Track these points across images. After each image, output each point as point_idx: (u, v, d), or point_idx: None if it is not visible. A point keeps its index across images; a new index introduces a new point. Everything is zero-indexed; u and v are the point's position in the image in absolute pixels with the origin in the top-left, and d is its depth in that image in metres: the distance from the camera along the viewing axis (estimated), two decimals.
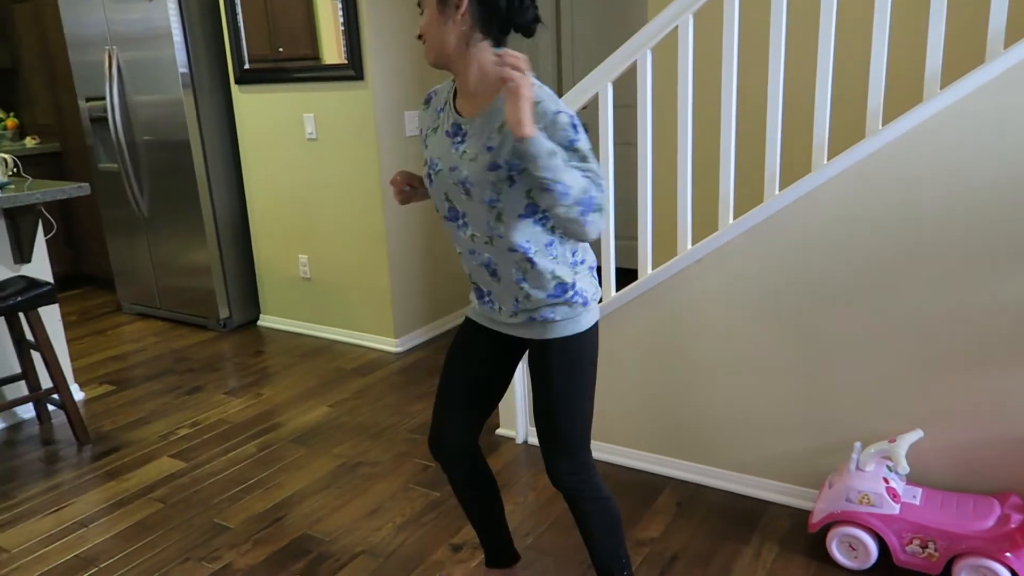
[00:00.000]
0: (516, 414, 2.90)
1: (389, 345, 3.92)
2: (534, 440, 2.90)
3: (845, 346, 2.24)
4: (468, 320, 1.84)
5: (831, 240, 2.19)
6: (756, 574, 2.13)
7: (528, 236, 1.59)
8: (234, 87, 4.04)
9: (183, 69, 3.93)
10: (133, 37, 4.02)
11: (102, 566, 2.28)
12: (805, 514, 2.37)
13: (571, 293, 1.65)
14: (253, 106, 4.02)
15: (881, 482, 2.09)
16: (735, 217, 2.36)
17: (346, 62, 3.59)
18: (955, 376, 2.11)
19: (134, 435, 3.12)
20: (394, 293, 3.86)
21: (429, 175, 1.66)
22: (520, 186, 1.54)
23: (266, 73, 3.88)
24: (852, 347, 2.23)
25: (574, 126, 1.51)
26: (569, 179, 1.44)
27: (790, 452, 2.40)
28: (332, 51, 3.64)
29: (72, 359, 3.95)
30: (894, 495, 2.08)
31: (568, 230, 1.49)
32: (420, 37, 1.58)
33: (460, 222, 1.65)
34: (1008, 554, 1.91)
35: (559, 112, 1.50)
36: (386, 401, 3.34)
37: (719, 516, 2.40)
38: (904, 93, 2.69)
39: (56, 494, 2.70)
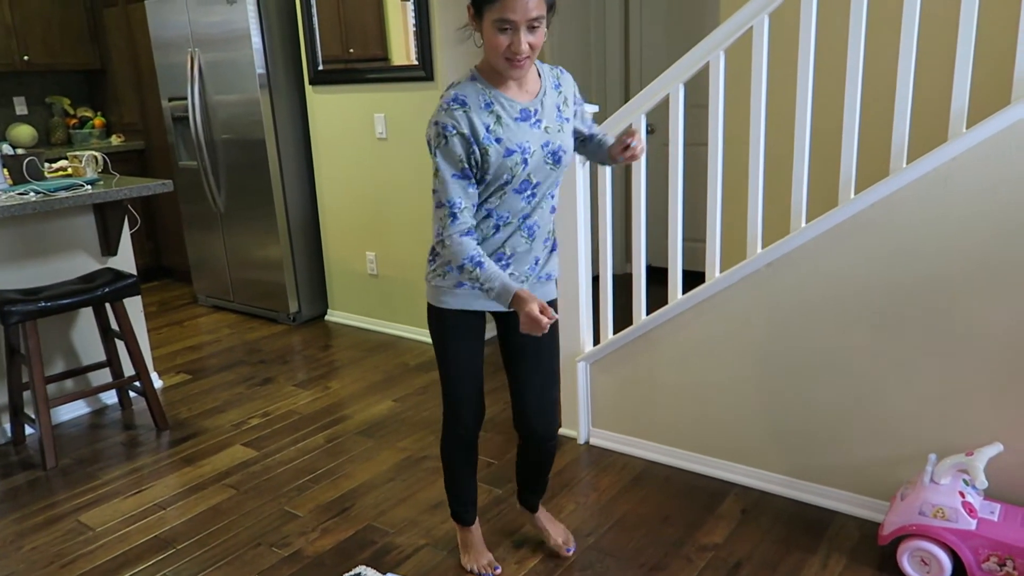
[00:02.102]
0: (579, 415, 2.91)
1: None
2: (596, 440, 2.90)
3: (922, 354, 2.18)
4: (457, 312, 1.93)
5: (909, 245, 2.13)
6: None
7: (556, 194, 1.94)
8: (308, 87, 4.15)
9: (260, 70, 4.06)
10: (214, 39, 4.17)
11: (179, 548, 2.38)
12: (875, 526, 2.32)
13: (556, 249, 2.01)
14: (326, 106, 4.12)
15: (957, 496, 2.03)
16: (808, 221, 2.32)
17: (416, 63, 3.65)
18: None
19: (209, 423, 3.24)
20: None
21: (525, 159, 1.78)
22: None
23: (339, 74, 3.98)
24: (929, 356, 2.17)
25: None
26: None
27: (860, 461, 2.34)
28: (401, 52, 3.71)
29: (152, 348, 4.13)
30: (971, 510, 2.01)
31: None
32: (520, 61, 1.70)
33: (529, 192, 1.84)
34: None
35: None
36: None
37: (785, 524, 2.36)
38: (987, 98, 2.59)
39: (136, 477, 2.83)
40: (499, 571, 2.19)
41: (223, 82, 4.23)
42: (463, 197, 1.74)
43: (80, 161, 3.33)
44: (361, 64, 3.87)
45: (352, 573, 2.20)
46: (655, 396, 2.70)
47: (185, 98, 4.42)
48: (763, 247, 2.41)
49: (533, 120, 1.80)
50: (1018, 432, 2.08)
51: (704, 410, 2.60)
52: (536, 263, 1.94)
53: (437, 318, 1.96)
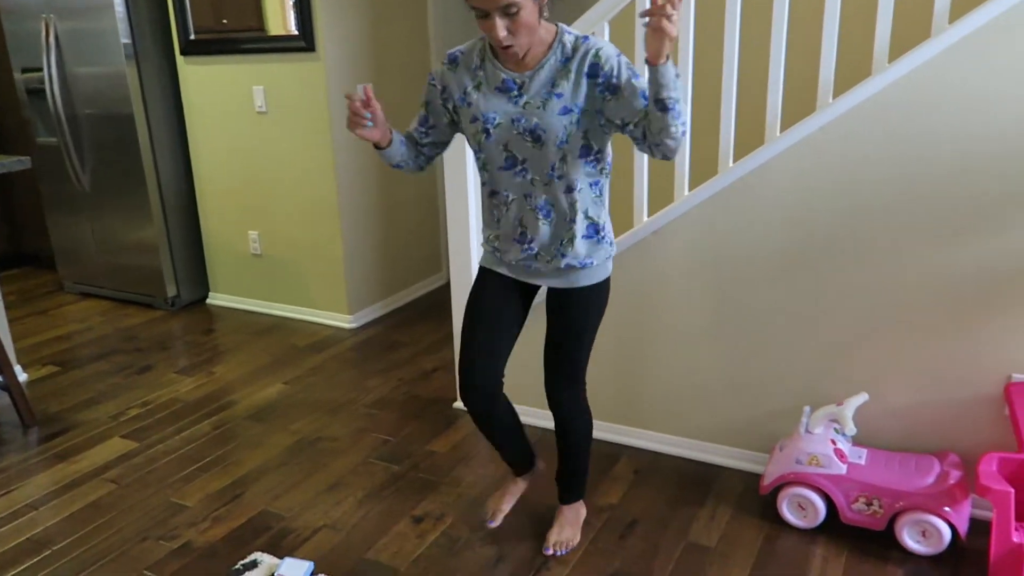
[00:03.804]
0: None
1: (343, 321, 3.90)
2: None
3: (795, 314, 2.31)
4: (486, 271, 1.97)
5: (782, 212, 2.25)
6: (711, 536, 2.20)
7: (584, 175, 1.80)
8: (179, 58, 3.93)
9: (125, 39, 3.79)
10: (72, 5, 3.86)
11: (56, 548, 2.24)
12: (757, 477, 2.45)
13: (602, 234, 1.87)
14: (200, 78, 3.91)
15: (829, 444, 2.17)
16: (691, 189, 2.40)
17: (296, 33, 3.52)
18: (897, 342, 2.20)
19: (83, 416, 3.05)
20: (347, 269, 3.83)
21: (487, 129, 1.77)
22: (581, 128, 1.74)
23: (213, 44, 3.78)
24: (802, 315, 2.30)
25: (630, 66, 1.72)
26: (683, 101, 1.67)
27: (742, 418, 2.47)
28: (278, 22, 3.57)
29: (13, 340, 3.82)
30: (841, 456, 2.17)
31: (663, 147, 1.66)
32: (507, 47, 1.65)
33: (518, 168, 1.80)
34: (947, 508, 2.01)
35: (620, 55, 1.72)
36: (342, 377, 3.32)
37: (675, 482, 2.47)
38: (854, 68, 2.76)
39: (3, 477, 2.62)
40: (492, 524, 2.21)
41: (84, 52, 3.92)
42: (412, 127, 1.93)
43: None
44: (236, 34, 3.69)
45: (247, 560, 2.13)
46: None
47: (41, 69, 4.08)
48: (648, 215, 2.48)
49: (514, 93, 1.75)
50: (881, 382, 2.25)
51: (594, 377, 2.66)
52: (560, 243, 1.84)
53: (478, 273, 2.02)
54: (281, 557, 2.15)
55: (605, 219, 1.88)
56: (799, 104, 2.51)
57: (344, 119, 3.65)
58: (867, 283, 2.20)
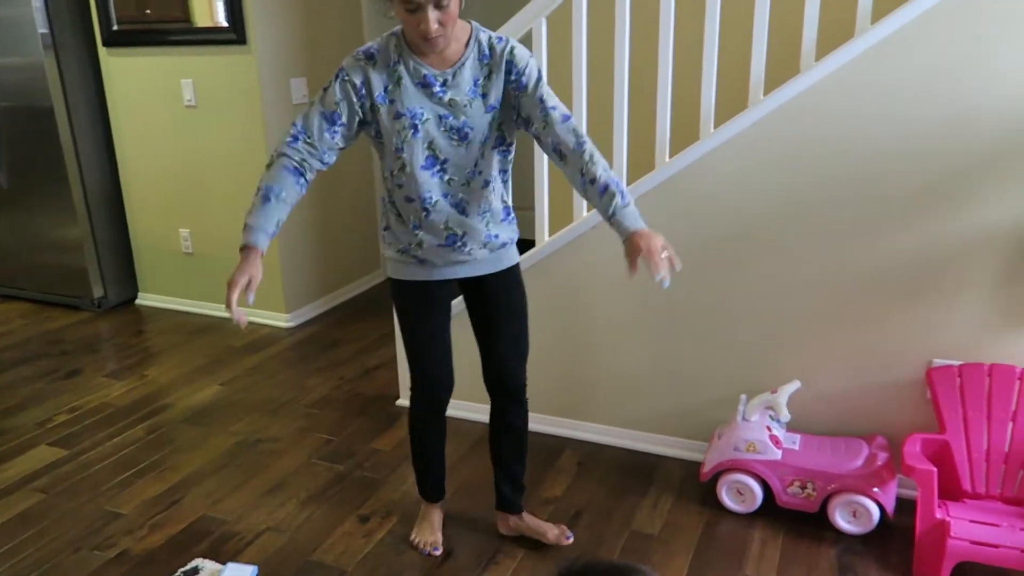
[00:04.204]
0: None
1: (280, 320, 3.82)
2: None
3: (731, 306, 2.38)
4: (410, 283, 1.92)
5: (716, 206, 2.31)
6: (655, 523, 2.25)
7: (496, 166, 1.84)
8: (102, 49, 3.78)
9: (43, 29, 3.63)
10: None
11: None
12: (697, 465, 2.52)
13: (512, 215, 1.94)
14: (125, 70, 3.77)
15: (765, 431, 2.25)
16: (628, 184, 2.44)
17: (227, 25, 3.43)
18: (827, 331, 2.29)
19: (7, 424, 2.91)
20: (284, 267, 3.76)
21: (415, 125, 1.73)
22: (497, 122, 1.78)
23: (138, 35, 3.65)
24: (738, 307, 2.37)
25: (540, 77, 1.78)
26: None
27: (681, 408, 2.54)
28: (205, 13, 3.47)
29: None
30: (776, 442, 2.24)
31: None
32: (433, 39, 1.63)
33: (436, 168, 1.78)
34: (876, 489, 2.11)
35: (532, 57, 1.78)
36: (281, 377, 3.26)
37: (618, 472, 2.51)
38: (784, 67, 2.84)
39: None
40: (438, 552, 2.15)
41: None
42: (313, 130, 1.73)
43: None
44: (161, 25, 3.57)
45: (188, 567, 2.08)
46: None
47: None
48: (588, 211, 2.51)
49: (437, 89, 1.72)
50: (813, 369, 2.34)
51: (536, 372, 2.68)
52: (490, 236, 1.88)
53: (396, 288, 1.96)
54: (224, 562, 2.10)
55: (510, 200, 1.95)
56: (732, 102, 2.57)
57: (268, 109, 3.58)
58: (798, 275, 2.28)
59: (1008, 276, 2.06)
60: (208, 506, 2.38)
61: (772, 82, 2.31)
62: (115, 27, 3.67)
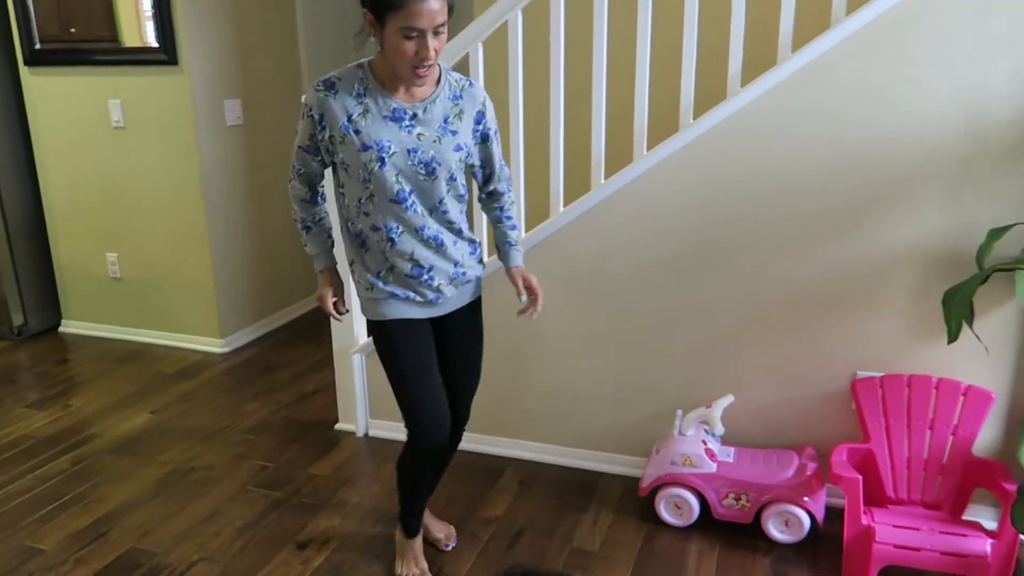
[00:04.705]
0: (356, 408, 2.88)
1: (215, 346, 3.74)
2: (375, 432, 2.89)
3: (665, 323, 2.44)
4: (396, 322, 1.88)
5: (649, 226, 2.37)
6: (595, 539, 2.28)
7: (458, 206, 1.87)
8: (23, 69, 3.66)
9: None
10: None
11: None
12: (636, 480, 2.55)
13: (477, 250, 1.98)
14: (48, 90, 3.66)
15: (700, 444, 2.30)
16: (564, 205, 2.49)
17: (157, 46, 3.37)
18: (758, 347, 2.37)
19: None
20: (219, 291, 3.68)
21: (381, 158, 1.73)
22: (463, 162, 1.83)
23: (62, 55, 3.55)
24: (671, 324, 2.43)
25: (495, 121, 1.91)
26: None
27: (620, 424, 2.57)
28: (134, 33, 3.40)
29: None
30: (711, 455, 2.30)
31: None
32: (428, 67, 1.67)
33: (409, 202, 1.78)
34: (806, 498, 2.18)
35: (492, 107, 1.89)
36: (216, 403, 3.18)
37: (559, 490, 2.53)
38: (715, 90, 2.95)
39: None
40: None
41: None
42: (303, 165, 1.86)
43: None
44: (86, 44, 3.49)
45: None
46: None
47: None
48: (526, 231, 2.55)
49: (406, 123, 1.74)
50: (745, 383, 2.41)
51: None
52: (456, 266, 1.89)
53: (376, 330, 1.90)
54: None
55: (473, 235, 1.97)
56: (663, 124, 2.66)
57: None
58: (730, 292, 2.35)
59: (924, 289, 2.17)
60: (137, 538, 2.30)
61: (700, 107, 2.39)
62: (37, 46, 3.57)
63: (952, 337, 1.93)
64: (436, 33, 1.62)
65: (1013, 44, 1.97)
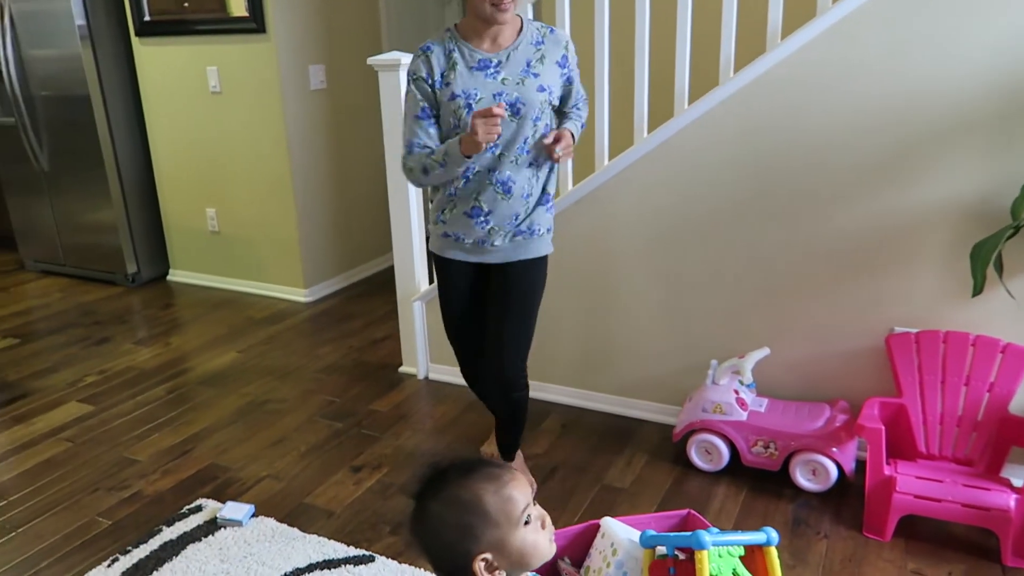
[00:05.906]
0: (417, 352, 3.08)
1: (299, 295, 4.04)
2: (434, 376, 3.09)
3: (705, 278, 2.50)
4: (443, 261, 2.10)
5: (686, 185, 2.43)
6: (625, 479, 2.39)
7: (538, 158, 1.97)
8: (135, 40, 4.03)
9: (80, 21, 3.89)
10: None
11: (11, 499, 2.37)
12: (672, 428, 2.64)
13: (551, 204, 2.06)
14: (155, 59, 4.01)
15: (732, 393, 2.36)
16: (609, 159, 2.57)
17: (247, 15, 3.64)
18: (794, 301, 2.39)
19: (40, 383, 3.17)
20: (302, 244, 3.97)
21: (469, 104, 1.89)
22: (546, 103, 1.94)
23: (167, 25, 3.88)
24: (710, 279, 2.49)
25: (578, 66, 2.04)
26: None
27: (660, 375, 2.66)
28: (239, 2, 3.68)
29: None
30: (743, 404, 2.36)
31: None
32: (507, 5, 1.83)
33: (491, 144, 1.89)
34: (834, 449, 2.21)
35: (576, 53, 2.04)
36: (295, 346, 3.47)
37: (598, 434, 2.65)
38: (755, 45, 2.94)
39: None
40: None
41: (39, 34, 4.01)
42: (420, 136, 1.96)
43: None
44: (190, 15, 3.80)
45: (192, 505, 2.28)
46: None
47: None
48: (573, 184, 2.65)
49: (491, 70, 1.90)
50: (781, 337, 2.44)
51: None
52: (516, 218, 2.00)
53: (433, 261, 2.15)
54: (224, 502, 2.30)
55: (552, 189, 2.06)
56: (703, 79, 2.68)
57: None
58: (768, 248, 2.39)
59: (961, 246, 2.14)
60: (215, 456, 2.59)
61: (741, 61, 2.41)
62: (147, 18, 3.92)
63: (977, 289, 1.91)
64: None
65: None
